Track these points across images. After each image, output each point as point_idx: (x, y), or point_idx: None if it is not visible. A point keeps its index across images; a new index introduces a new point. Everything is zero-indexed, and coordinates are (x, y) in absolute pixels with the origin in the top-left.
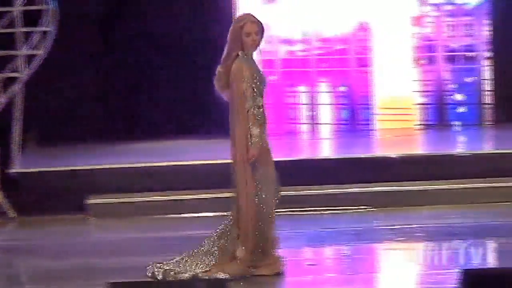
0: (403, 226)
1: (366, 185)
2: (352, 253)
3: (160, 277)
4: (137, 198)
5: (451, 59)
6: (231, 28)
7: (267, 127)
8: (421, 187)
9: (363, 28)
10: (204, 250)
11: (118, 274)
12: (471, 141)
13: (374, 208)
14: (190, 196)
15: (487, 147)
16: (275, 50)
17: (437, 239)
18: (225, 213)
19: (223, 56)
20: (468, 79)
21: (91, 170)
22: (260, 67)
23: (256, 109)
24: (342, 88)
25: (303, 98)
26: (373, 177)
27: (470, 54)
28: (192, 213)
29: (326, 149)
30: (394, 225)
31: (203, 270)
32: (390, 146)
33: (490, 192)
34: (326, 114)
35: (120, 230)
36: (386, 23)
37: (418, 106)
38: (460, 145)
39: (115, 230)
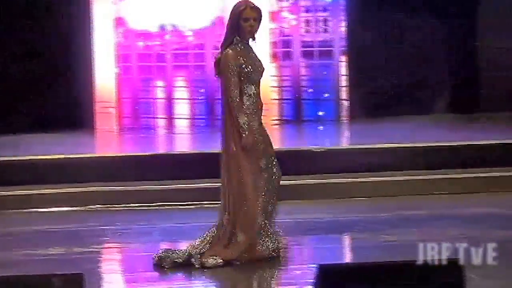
0: None
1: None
2: None
3: (158, 262)
4: None
5: (308, 55)
6: (230, 13)
7: (260, 117)
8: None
9: (220, 22)
10: (202, 238)
11: None
12: (329, 136)
13: None
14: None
15: (344, 142)
16: (131, 44)
17: (293, 234)
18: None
19: (222, 41)
20: (325, 75)
21: None
22: (257, 54)
23: (247, 97)
24: (198, 83)
25: (160, 93)
26: None
27: (326, 49)
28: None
29: (182, 144)
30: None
31: (197, 254)
32: None
33: (347, 187)
34: (182, 108)
35: None
36: None
37: (275, 101)
38: (317, 141)
39: None
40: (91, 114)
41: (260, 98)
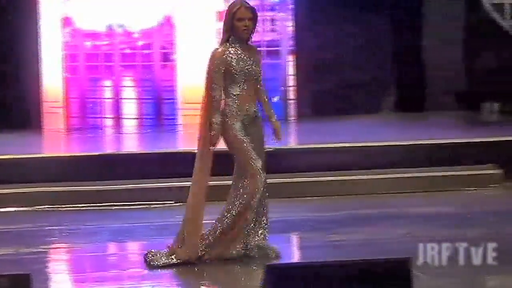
0: (206, 221)
1: (171, 180)
2: (156, 248)
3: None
4: None
5: None
6: (225, 12)
7: (243, 118)
8: (226, 182)
9: (168, 22)
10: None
11: None
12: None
13: (178, 202)
14: None
15: (292, 142)
16: (79, 44)
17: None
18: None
19: (220, 40)
20: (272, 74)
21: None
22: (251, 55)
23: (230, 98)
24: (146, 82)
25: (107, 93)
26: (177, 172)
27: (274, 49)
28: None
29: (130, 144)
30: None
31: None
32: (194, 141)
33: (295, 187)
34: (130, 108)
35: None
36: (191, 18)
37: None
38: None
39: None
40: (39, 114)
41: (250, 100)
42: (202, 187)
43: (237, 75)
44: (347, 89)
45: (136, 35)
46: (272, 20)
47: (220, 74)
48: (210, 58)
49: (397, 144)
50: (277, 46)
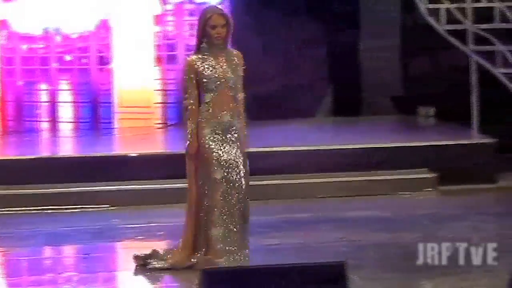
0: (143, 225)
1: (107, 184)
2: (91, 252)
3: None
4: None
5: None
6: (198, 19)
7: (215, 125)
8: (163, 186)
9: (104, 25)
10: None
11: None
12: None
13: (114, 206)
14: None
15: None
16: (15, 47)
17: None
18: None
19: (193, 46)
20: None
21: None
22: (226, 62)
23: (203, 105)
24: (82, 86)
25: (44, 96)
26: (113, 176)
27: None
28: None
29: (66, 148)
30: (134, 224)
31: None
32: (131, 144)
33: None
34: (66, 112)
35: None
36: (128, 21)
37: (159, 104)
38: None
39: None
40: None
41: (225, 108)
42: (190, 193)
43: (207, 82)
44: (282, 93)
45: (72, 38)
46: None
47: (191, 82)
48: (183, 65)
49: (332, 148)
50: None
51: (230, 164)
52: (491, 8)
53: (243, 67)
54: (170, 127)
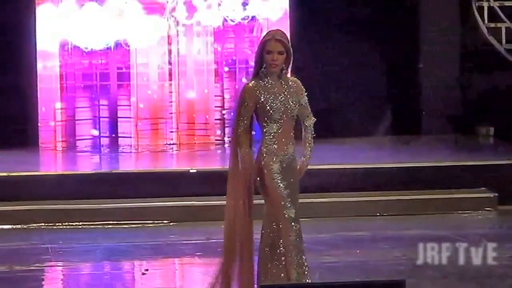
0: (202, 241)
1: (166, 199)
2: (150, 267)
3: None
4: None
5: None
6: (259, 42)
7: (282, 159)
8: (222, 202)
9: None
10: None
11: None
12: None
13: (173, 222)
14: None
15: None
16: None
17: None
18: None
19: (252, 71)
20: None
21: None
22: (286, 90)
23: (267, 136)
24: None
25: (103, 111)
26: (173, 192)
27: None
28: None
29: (126, 163)
30: (193, 240)
31: None
32: (190, 160)
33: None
34: (126, 127)
35: None
36: (190, 37)
37: (218, 121)
38: None
39: None
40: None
41: (289, 139)
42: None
43: (272, 112)
44: (335, 110)
45: (93, 55)
46: None
47: (246, 108)
48: (241, 91)
49: (391, 167)
50: None
51: (296, 200)
52: None
53: (305, 93)
54: (228, 144)
